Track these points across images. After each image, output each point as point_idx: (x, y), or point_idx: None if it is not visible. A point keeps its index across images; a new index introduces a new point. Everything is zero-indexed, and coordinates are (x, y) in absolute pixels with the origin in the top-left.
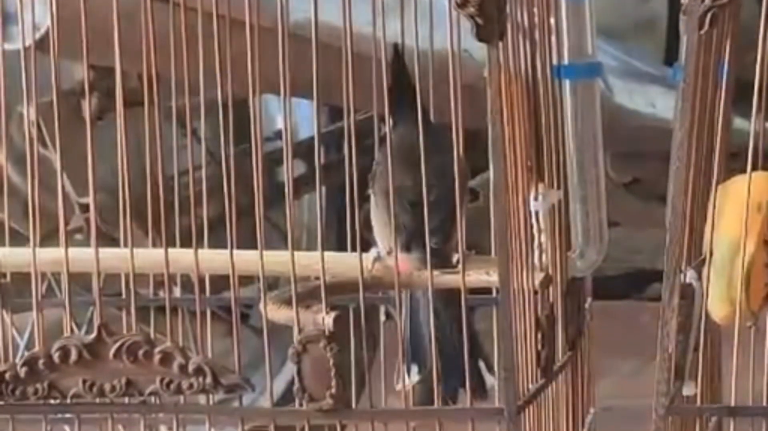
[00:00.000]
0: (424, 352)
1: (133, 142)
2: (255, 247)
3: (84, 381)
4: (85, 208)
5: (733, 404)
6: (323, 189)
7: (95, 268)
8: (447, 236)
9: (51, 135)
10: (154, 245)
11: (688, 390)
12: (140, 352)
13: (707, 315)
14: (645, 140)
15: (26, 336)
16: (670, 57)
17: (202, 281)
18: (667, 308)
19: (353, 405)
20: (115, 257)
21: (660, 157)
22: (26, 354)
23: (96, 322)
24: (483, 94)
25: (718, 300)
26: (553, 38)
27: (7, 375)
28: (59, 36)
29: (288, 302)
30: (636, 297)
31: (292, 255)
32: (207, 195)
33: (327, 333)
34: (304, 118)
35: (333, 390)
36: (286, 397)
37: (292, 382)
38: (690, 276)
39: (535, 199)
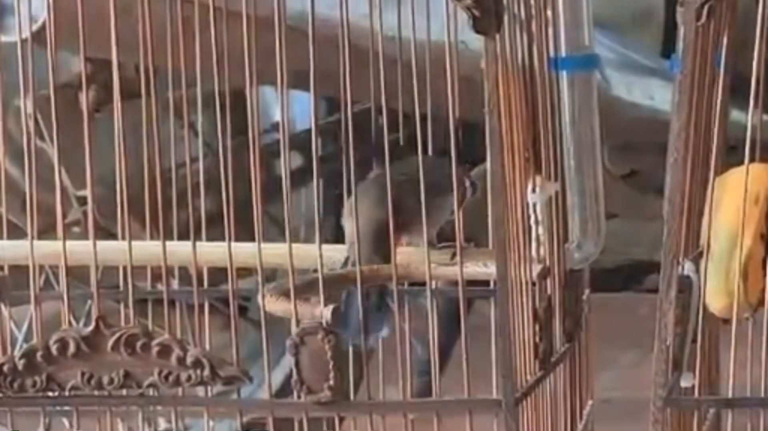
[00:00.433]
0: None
1: (131, 134)
2: (253, 239)
3: (82, 374)
4: (82, 201)
5: (731, 396)
6: (321, 181)
7: (93, 261)
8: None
9: (48, 128)
10: (152, 238)
11: (686, 381)
12: (138, 345)
13: (705, 307)
14: (643, 132)
15: (24, 328)
16: (668, 49)
17: (200, 274)
18: (664, 300)
19: (351, 398)
20: (113, 250)
21: (658, 149)
22: (24, 346)
23: (94, 315)
24: (480, 86)
25: (716, 292)
26: (551, 30)
27: (6, 368)
28: (56, 28)
29: (286, 294)
30: (634, 289)
31: (290, 247)
32: (205, 187)
33: (325, 325)
34: (301, 110)
35: (331, 383)
36: (285, 389)
37: (290, 374)
38: (687, 268)
39: (533, 191)
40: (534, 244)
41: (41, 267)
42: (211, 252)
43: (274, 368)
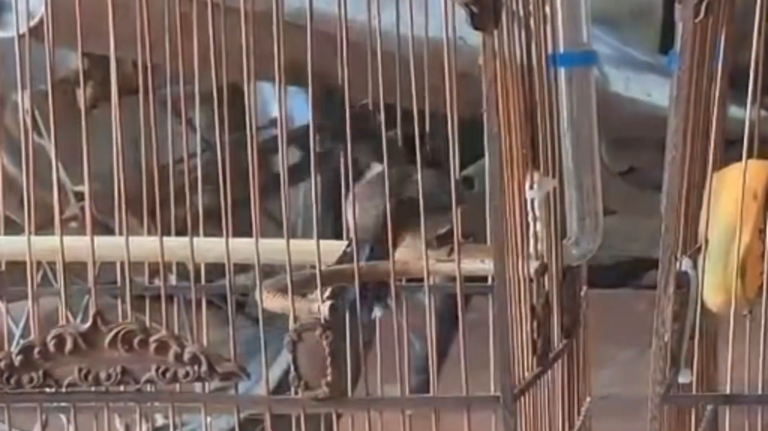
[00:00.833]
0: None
1: (128, 130)
2: (250, 235)
3: (79, 370)
4: (80, 197)
5: (729, 392)
6: (318, 177)
7: (90, 257)
8: None
9: (46, 124)
10: (150, 233)
11: (684, 378)
12: (136, 341)
13: (703, 304)
14: (641, 128)
15: (21, 324)
16: (666, 45)
17: (197, 269)
18: (662, 296)
19: (349, 394)
20: (110, 245)
21: (656, 145)
22: (21, 342)
23: (91, 311)
24: (478, 82)
25: (714, 289)
26: (549, 26)
27: (2, 364)
28: (54, 23)
29: (284, 290)
30: (632, 285)
31: (288, 243)
32: (202, 183)
33: (323, 321)
34: (298, 105)
35: (329, 379)
36: (282, 386)
37: (287, 371)
38: (686, 264)
39: (531, 187)
40: (532, 241)
41: (39, 263)
42: (209, 247)
43: (271, 364)
